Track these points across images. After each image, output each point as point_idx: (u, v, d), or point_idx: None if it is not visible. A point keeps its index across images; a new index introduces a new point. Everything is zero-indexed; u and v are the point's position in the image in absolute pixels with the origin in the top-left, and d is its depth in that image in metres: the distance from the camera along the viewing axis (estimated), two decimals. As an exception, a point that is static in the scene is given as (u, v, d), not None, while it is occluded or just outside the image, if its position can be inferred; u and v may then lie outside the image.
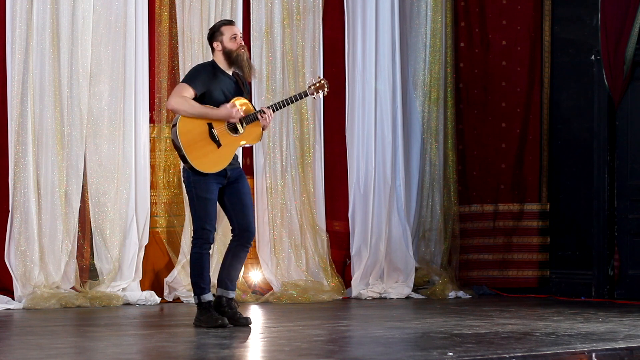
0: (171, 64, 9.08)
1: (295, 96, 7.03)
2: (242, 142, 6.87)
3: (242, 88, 6.90)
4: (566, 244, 10.02)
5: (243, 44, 6.89)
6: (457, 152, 10.35)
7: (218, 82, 6.80)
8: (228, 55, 6.85)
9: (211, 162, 6.70)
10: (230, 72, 6.88)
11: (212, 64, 6.88)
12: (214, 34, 6.92)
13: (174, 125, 6.68)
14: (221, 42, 6.87)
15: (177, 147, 6.70)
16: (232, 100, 6.80)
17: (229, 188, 6.84)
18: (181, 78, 8.92)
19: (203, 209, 6.73)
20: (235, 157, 6.89)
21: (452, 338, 6.13)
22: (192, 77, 6.75)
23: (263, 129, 6.89)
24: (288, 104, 6.99)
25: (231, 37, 6.86)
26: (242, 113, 6.75)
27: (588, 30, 9.89)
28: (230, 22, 7.00)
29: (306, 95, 7.07)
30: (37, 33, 8.39)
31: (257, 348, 5.93)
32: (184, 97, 6.65)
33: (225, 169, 6.77)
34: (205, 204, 6.73)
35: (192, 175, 6.73)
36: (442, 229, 10.19)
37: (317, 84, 7.12)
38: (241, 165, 7.08)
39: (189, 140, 6.66)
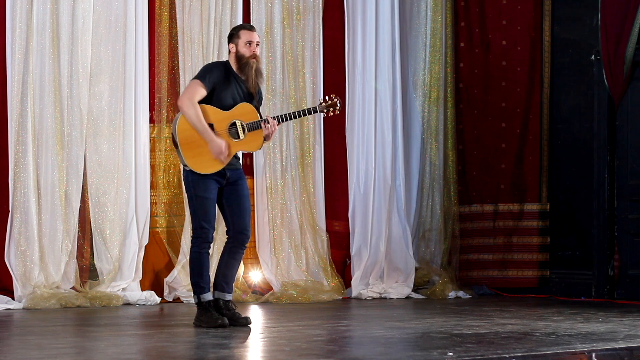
0: (171, 64, 9.08)
1: (304, 110, 6.97)
2: (241, 148, 6.83)
3: (253, 94, 6.88)
4: (566, 244, 10.02)
5: (256, 53, 6.84)
6: (457, 152, 10.35)
7: (229, 84, 6.76)
8: (239, 59, 6.82)
9: (206, 163, 6.68)
10: (243, 77, 6.85)
11: (226, 65, 6.85)
12: (232, 36, 6.87)
13: (175, 122, 6.67)
14: (236, 45, 6.83)
15: (175, 144, 6.70)
16: (238, 106, 6.75)
17: (228, 189, 6.83)
18: (181, 78, 8.98)
19: (202, 208, 6.73)
20: (237, 158, 6.88)
21: (452, 338, 6.13)
22: (205, 74, 6.71)
23: (265, 139, 6.85)
24: (295, 118, 6.96)
25: (246, 42, 6.80)
26: (225, 159, 6.69)
27: (588, 30, 9.88)
28: (250, 28, 6.90)
29: (315, 111, 7.03)
30: (37, 33, 8.39)
31: (257, 348, 5.93)
32: (195, 105, 6.62)
33: (224, 170, 6.76)
34: (203, 203, 6.72)
35: (191, 175, 6.73)
36: (442, 229, 10.19)
37: (330, 102, 7.06)
38: (241, 166, 7.07)
39: (187, 138, 6.65)
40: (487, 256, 10.26)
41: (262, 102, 7.10)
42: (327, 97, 7.12)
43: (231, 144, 6.72)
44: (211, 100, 6.71)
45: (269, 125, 6.76)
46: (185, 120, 6.65)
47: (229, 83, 6.76)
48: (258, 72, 6.84)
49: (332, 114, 7.10)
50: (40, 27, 8.40)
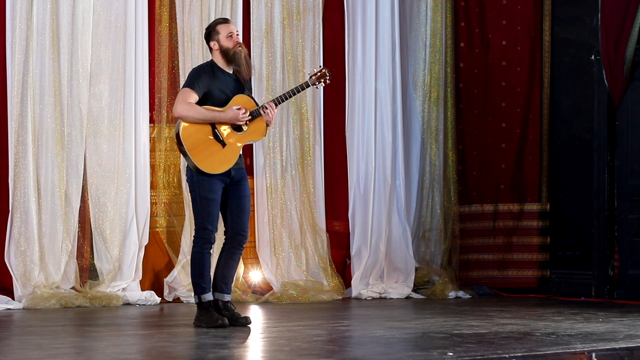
0: (171, 64, 9.08)
1: (297, 88, 7.03)
2: (247, 140, 6.87)
3: (243, 85, 6.90)
4: (566, 244, 10.02)
5: (240, 41, 6.89)
6: (457, 152, 10.35)
7: (218, 82, 6.79)
8: (225, 53, 6.85)
9: (217, 162, 6.71)
10: (230, 71, 6.88)
11: (211, 64, 6.88)
12: (210, 34, 6.91)
13: (178, 132, 6.67)
14: (218, 41, 6.86)
15: (182, 152, 6.71)
16: (234, 98, 6.78)
17: (231, 189, 6.84)
18: (181, 78, 8.97)
19: (206, 209, 6.73)
20: (240, 157, 6.89)
21: (452, 338, 6.13)
22: (193, 80, 6.74)
23: (267, 125, 6.89)
24: (290, 97, 6.98)
25: (227, 35, 6.85)
26: (247, 115, 6.75)
27: (588, 30, 9.88)
28: (225, 21, 6.99)
29: (308, 86, 7.07)
30: (37, 33, 8.39)
31: (257, 348, 5.93)
32: (189, 104, 6.64)
33: (230, 169, 6.77)
34: (208, 204, 6.72)
35: (196, 175, 6.73)
36: (442, 229, 10.19)
37: (318, 73, 7.10)
38: (244, 165, 7.06)
39: (194, 142, 6.66)
40: (487, 256, 10.25)
41: (252, 90, 7.13)
42: (315, 70, 7.17)
43: (237, 138, 6.75)
44: (205, 102, 6.73)
45: (268, 111, 6.80)
46: (187, 128, 6.66)
47: (218, 81, 6.79)
48: (247, 59, 6.88)
49: (324, 84, 7.13)
50: (40, 27, 8.40)
